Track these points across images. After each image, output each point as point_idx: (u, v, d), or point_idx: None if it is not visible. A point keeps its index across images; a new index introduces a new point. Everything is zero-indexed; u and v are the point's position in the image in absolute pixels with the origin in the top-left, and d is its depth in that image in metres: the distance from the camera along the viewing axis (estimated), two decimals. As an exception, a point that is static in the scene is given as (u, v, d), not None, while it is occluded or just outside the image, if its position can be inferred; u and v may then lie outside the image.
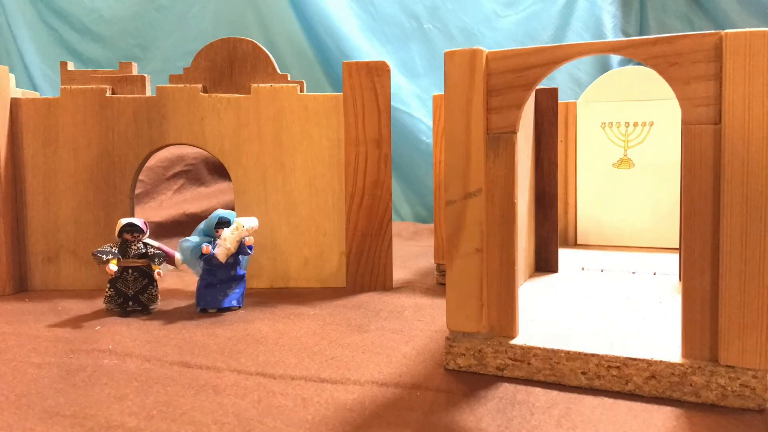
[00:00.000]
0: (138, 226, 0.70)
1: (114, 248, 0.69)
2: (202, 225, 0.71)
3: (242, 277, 0.73)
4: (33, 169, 0.82)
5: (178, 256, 0.71)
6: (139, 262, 0.70)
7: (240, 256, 0.72)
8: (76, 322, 0.67)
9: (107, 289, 0.70)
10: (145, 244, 0.71)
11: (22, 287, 0.82)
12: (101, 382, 0.50)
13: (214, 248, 0.69)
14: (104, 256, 0.68)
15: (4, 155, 0.79)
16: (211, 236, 0.71)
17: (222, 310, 0.71)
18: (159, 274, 0.71)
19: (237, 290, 0.72)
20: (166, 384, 0.49)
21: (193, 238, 0.71)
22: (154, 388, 0.48)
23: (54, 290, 0.82)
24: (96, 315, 0.70)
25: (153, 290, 0.71)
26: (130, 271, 0.70)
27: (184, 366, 0.53)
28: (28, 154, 0.82)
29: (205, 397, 0.46)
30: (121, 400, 0.46)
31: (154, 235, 1.21)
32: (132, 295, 0.70)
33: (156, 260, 0.70)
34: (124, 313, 0.70)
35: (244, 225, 0.69)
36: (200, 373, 0.51)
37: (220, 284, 0.71)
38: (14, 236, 0.81)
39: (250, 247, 0.71)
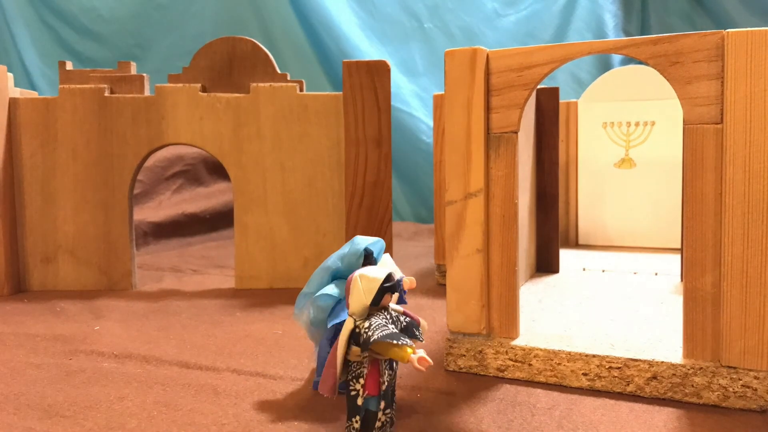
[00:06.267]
0: (399, 280, 0.39)
1: (391, 324, 0.38)
2: (339, 262, 0.46)
3: None
4: (31, 169, 0.82)
5: (422, 323, 0.42)
6: None
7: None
8: (75, 322, 0.67)
9: (382, 414, 0.38)
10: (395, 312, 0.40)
11: (20, 288, 0.82)
12: (101, 382, 0.49)
13: None
14: (400, 341, 0.36)
15: (2, 155, 0.79)
16: None
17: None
18: (424, 361, 0.36)
19: None
20: (166, 384, 0.49)
21: (332, 289, 0.45)
22: (153, 388, 0.48)
23: (52, 291, 0.82)
24: (94, 315, 0.70)
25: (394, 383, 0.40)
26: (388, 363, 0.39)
27: (183, 366, 0.53)
28: (26, 153, 0.81)
29: (205, 398, 0.46)
30: (121, 401, 0.46)
31: (153, 236, 1.21)
32: (385, 405, 0.38)
33: (419, 334, 0.40)
34: None
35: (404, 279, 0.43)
36: (200, 373, 0.51)
37: None
38: (12, 236, 0.81)
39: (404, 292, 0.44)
